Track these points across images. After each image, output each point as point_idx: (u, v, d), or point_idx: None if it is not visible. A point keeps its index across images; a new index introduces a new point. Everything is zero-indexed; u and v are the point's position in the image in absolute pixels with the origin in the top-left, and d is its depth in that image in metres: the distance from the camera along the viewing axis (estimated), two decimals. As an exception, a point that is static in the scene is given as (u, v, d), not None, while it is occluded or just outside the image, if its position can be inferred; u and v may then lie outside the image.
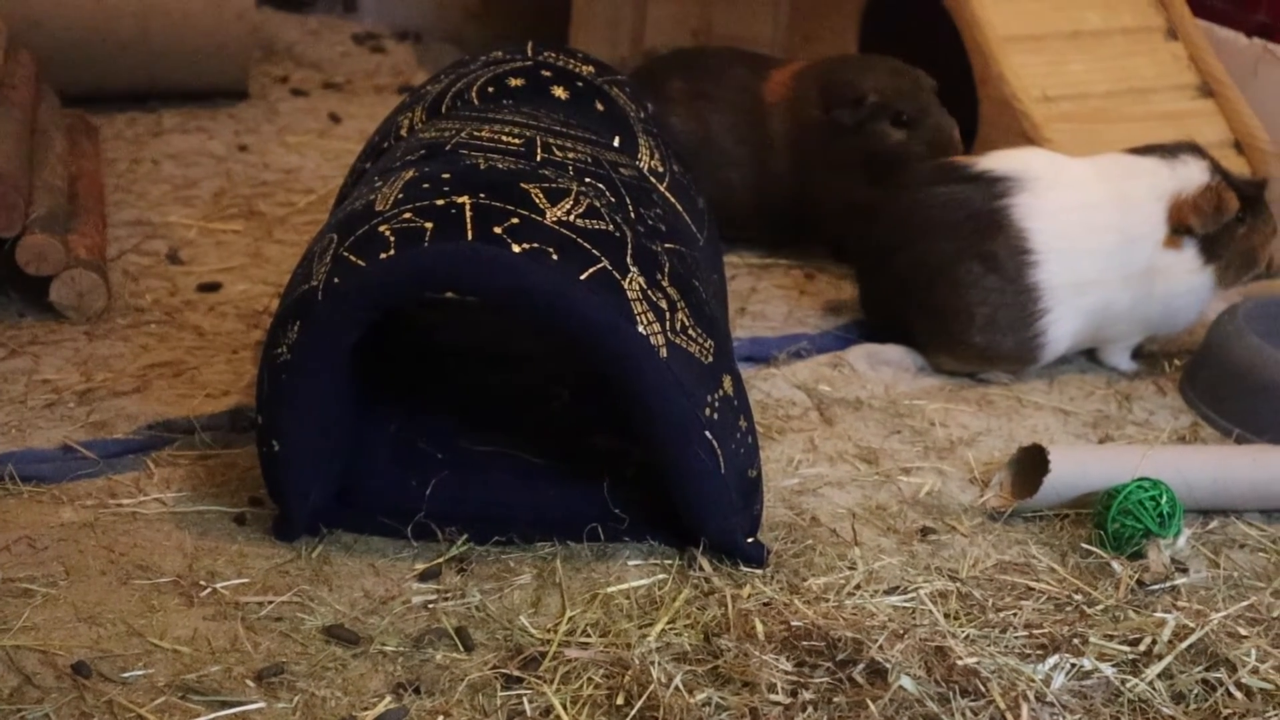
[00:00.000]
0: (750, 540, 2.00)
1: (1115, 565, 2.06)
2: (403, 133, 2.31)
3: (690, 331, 1.94)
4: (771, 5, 3.55)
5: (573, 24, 3.71)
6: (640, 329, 1.89)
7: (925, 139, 2.87)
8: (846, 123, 2.86)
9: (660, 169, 2.32)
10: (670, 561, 2.00)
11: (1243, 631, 1.90)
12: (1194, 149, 2.60)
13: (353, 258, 1.90)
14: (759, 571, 1.98)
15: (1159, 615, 1.92)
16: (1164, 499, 2.10)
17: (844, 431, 2.39)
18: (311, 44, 4.08)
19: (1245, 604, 1.98)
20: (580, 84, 2.35)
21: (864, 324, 2.73)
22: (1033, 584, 2.01)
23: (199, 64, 3.48)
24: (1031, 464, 2.22)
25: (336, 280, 1.89)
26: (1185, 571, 2.07)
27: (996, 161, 2.58)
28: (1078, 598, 1.98)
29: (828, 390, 2.50)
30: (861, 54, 3.04)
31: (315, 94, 3.76)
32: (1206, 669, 1.83)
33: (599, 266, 1.90)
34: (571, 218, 1.95)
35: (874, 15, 3.35)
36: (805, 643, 1.78)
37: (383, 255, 1.88)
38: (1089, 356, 2.70)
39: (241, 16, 3.48)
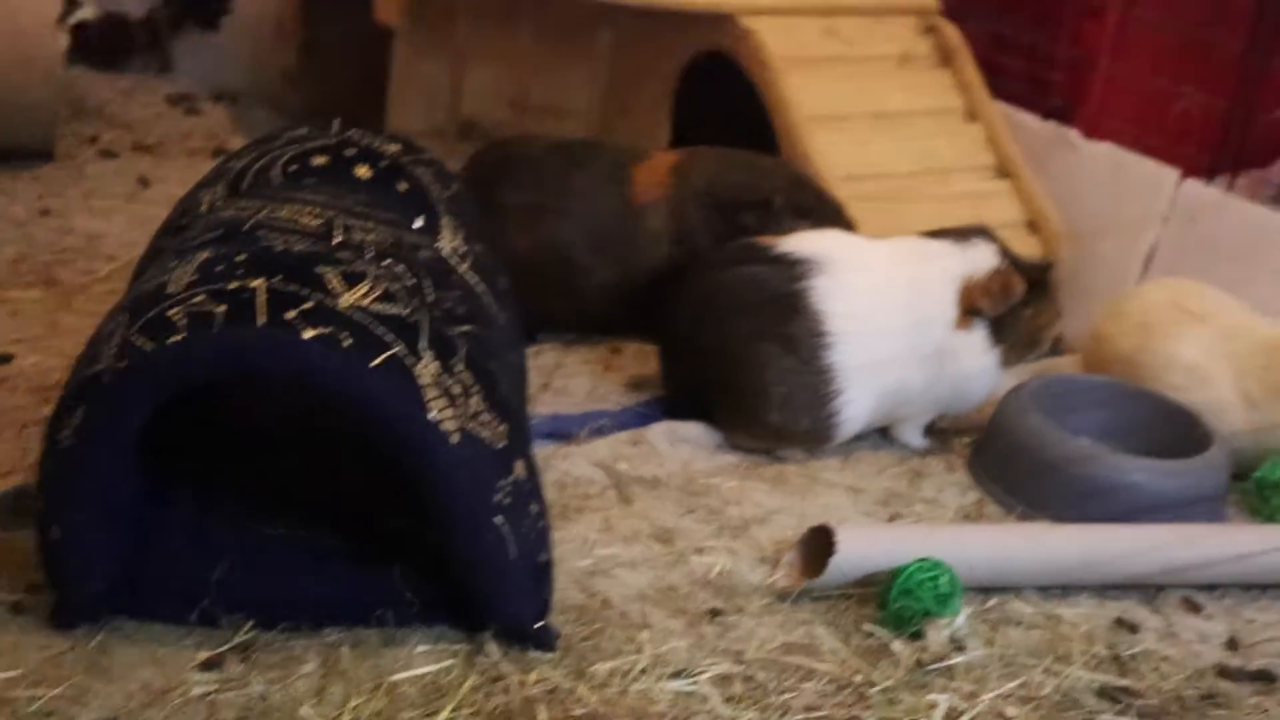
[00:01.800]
0: (540, 625, 2.03)
1: (896, 645, 2.13)
2: (203, 209, 2.31)
3: (483, 416, 1.97)
4: (588, 77, 3.61)
5: (390, 90, 3.73)
6: (431, 416, 1.91)
7: (826, 223, 2.88)
8: (753, 226, 2.86)
9: (463, 249, 2.34)
10: (459, 647, 2.01)
11: (1011, 711, 1.98)
12: (984, 233, 2.70)
13: (141, 341, 1.89)
14: (548, 656, 2.00)
15: (932, 697, 1.99)
16: (943, 579, 2.18)
17: (641, 510, 2.43)
18: (124, 104, 4.02)
19: (1017, 683, 2.06)
20: (384, 163, 2.37)
21: (666, 401, 2.78)
22: (816, 665, 2.07)
23: (1, 123, 3.42)
24: (820, 544, 2.28)
25: (123, 364, 1.88)
26: (963, 650, 2.15)
27: (796, 244, 2.66)
28: (858, 679, 2.04)
29: (626, 468, 2.54)
30: (735, 150, 3.02)
31: (125, 156, 3.72)
32: (974, 750, 1.90)
33: (391, 353, 1.92)
34: (366, 302, 1.96)
35: (685, 90, 3.41)
36: (586, 731, 1.81)
37: (171, 339, 1.88)
38: (883, 434, 2.78)
39: (49, 75, 3.43)
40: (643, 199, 2.92)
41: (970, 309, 2.63)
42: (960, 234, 2.69)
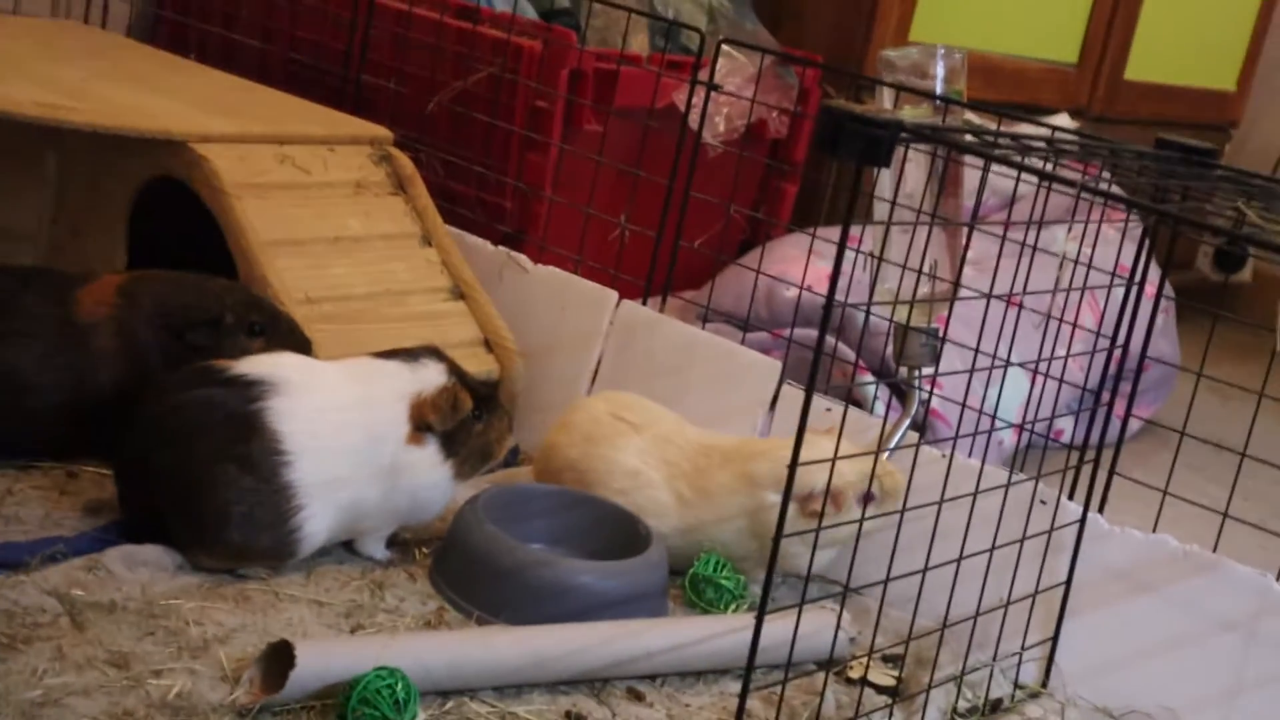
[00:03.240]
0: (-19, 762, 1.92)
1: (355, 754, 2.14)
2: None
3: (-88, 550, 1.86)
4: (36, 200, 3.48)
5: None
6: None
7: (280, 341, 2.91)
8: (205, 344, 2.85)
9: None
10: (-110, 793, 1.88)
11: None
12: (434, 352, 2.79)
13: None
14: (-11, 794, 1.90)
15: (388, 801, 2.01)
16: (399, 686, 2.21)
17: (95, 637, 2.35)
18: None
19: (470, 781, 2.11)
20: None
21: (125, 525, 2.69)
22: (275, 780, 2.05)
23: None
24: (280, 658, 2.27)
25: None
26: (421, 754, 2.19)
27: (251, 366, 2.66)
28: (317, 790, 2.04)
29: (81, 595, 2.45)
30: (182, 272, 2.99)
31: None
32: None
33: None
34: None
35: (141, 213, 3.35)
36: None
37: None
38: (346, 547, 2.80)
39: None
40: (88, 318, 2.86)
41: (420, 424, 2.71)
42: (410, 354, 2.77)
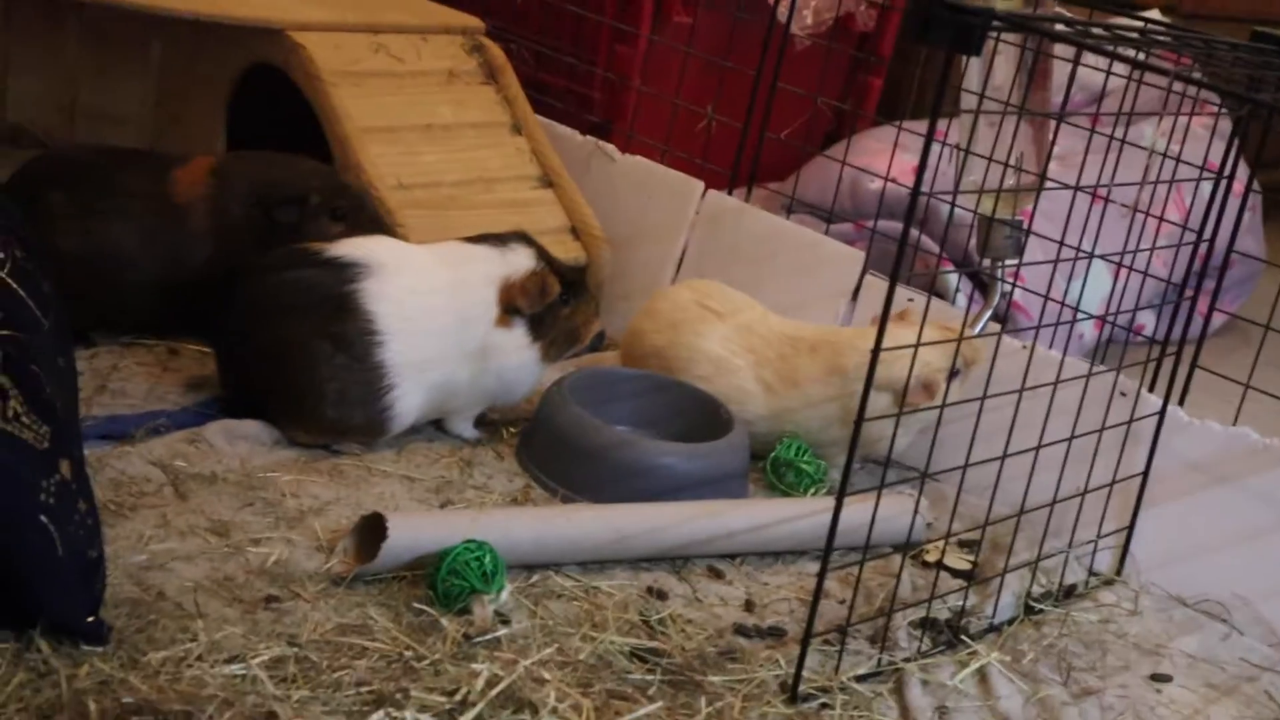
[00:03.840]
0: (91, 619, 1.99)
1: (444, 622, 2.19)
2: None
3: (24, 419, 1.92)
4: (139, 85, 3.53)
5: (-68, 96, 3.54)
6: (-33, 417, 1.85)
7: (363, 228, 2.92)
8: (291, 221, 2.88)
9: (1, 256, 2.26)
10: (6, 646, 1.95)
11: (547, 675, 2.07)
12: (523, 237, 2.80)
13: None
14: (99, 649, 1.97)
15: (475, 666, 2.06)
16: (487, 559, 2.26)
17: (197, 506, 2.41)
18: None
19: (553, 649, 2.16)
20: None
21: (224, 400, 2.75)
22: (368, 644, 2.10)
23: None
24: (373, 530, 2.32)
25: None
26: (508, 623, 2.23)
27: (346, 249, 2.69)
28: (408, 654, 2.09)
29: (184, 466, 2.51)
30: (275, 152, 3.02)
31: None
32: (514, 712, 1.98)
33: (-80, 357, 1.85)
34: (-101, 304, 1.88)
35: (241, 101, 3.38)
36: (136, 718, 1.79)
37: None
38: (436, 426, 2.85)
39: None
40: (183, 198, 2.91)
41: (509, 308, 2.73)
42: (499, 239, 2.78)
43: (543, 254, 2.79)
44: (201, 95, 3.41)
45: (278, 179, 2.94)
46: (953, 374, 2.81)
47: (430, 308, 2.67)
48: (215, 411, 2.72)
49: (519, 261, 2.75)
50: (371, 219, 3.00)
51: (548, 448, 2.74)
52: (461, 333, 2.70)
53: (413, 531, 2.31)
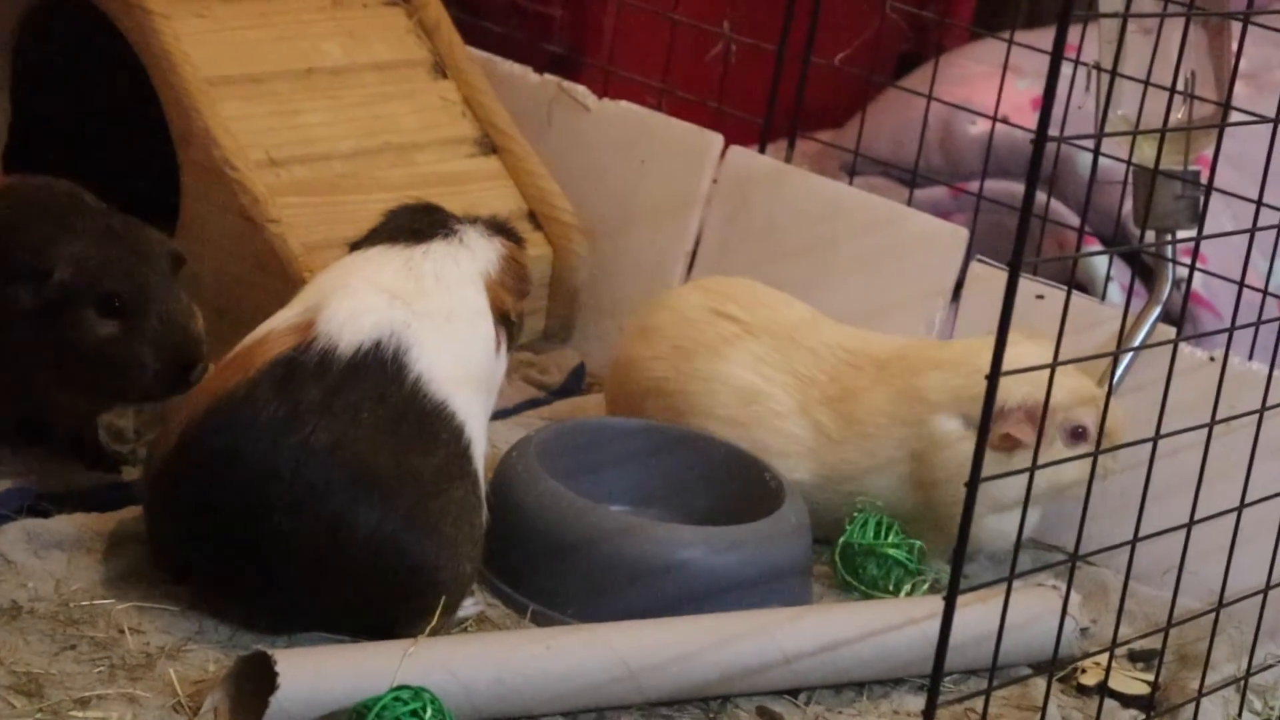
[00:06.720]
0: None
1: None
2: None
3: None
4: None
5: None
6: None
7: (150, 335, 2.75)
8: (25, 304, 2.76)
9: None
10: None
11: None
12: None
13: None
14: None
15: None
16: (428, 713, 2.25)
17: (-3, 654, 2.41)
18: None
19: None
20: None
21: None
22: None
23: None
24: (256, 677, 2.32)
25: None
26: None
27: None
28: None
29: (-33, 594, 2.52)
30: (58, 181, 2.93)
31: None
32: None
33: None
34: None
35: (33, 44, 3.39)
36: None
37: None
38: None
39: None
40: None
41: None
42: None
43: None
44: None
45: (20, 241, 2.77)
46: (1077, 432, 2.83)
47: None
48: (14, 508, 2.73)
49: None
50: (164, 318, 2.76)
51: (512, 542, 2.74)
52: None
53: (314, 677, 2.31)
